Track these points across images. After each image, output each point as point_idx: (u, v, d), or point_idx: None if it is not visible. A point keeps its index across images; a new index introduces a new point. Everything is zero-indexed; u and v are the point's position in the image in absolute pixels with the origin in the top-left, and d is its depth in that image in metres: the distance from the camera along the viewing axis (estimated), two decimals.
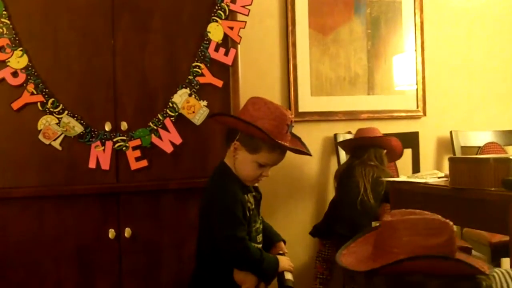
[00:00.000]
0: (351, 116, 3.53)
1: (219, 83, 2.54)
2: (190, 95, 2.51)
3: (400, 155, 3.13)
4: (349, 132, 3.40)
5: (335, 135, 3.41)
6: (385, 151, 3.06)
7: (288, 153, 1.92)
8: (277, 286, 2.05)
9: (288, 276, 2.03)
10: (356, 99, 3.56)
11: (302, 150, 2.13)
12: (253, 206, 2.07)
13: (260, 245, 2.10)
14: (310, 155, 2.18)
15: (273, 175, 3.30)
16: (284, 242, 2.22)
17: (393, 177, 3.04)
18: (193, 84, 2.52)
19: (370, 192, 2.90)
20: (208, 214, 2.01)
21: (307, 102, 3.45)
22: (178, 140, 2.48)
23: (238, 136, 2.01)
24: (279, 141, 1.96)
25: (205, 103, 2.52)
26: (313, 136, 3.47)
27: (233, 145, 2.02)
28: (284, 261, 2.07)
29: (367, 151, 3.02)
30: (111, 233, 2.40)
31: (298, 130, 3.34)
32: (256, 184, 2.15)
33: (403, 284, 1.28)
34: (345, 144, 3.24)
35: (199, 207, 2.08)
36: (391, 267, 1.27)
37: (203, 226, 2.06)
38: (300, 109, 3.43)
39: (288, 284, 2.00)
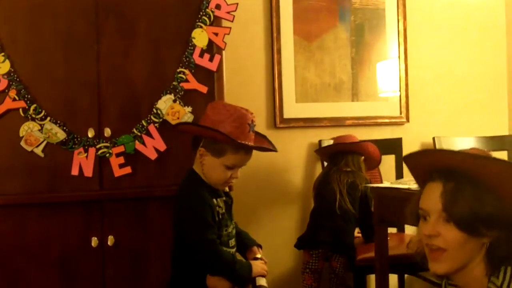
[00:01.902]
0: (336, 122, 3.53)
1: (203, 89, 2.53)
2: (174, 101, 2.50)
3: (378, 161, 3.13)
4: (333, 139, 3.41)
5: (320, 142, 3.41)
6: (362, 157, 3.06)
7: (272, 159, 1.91)
8: None
9: (261, 282, 2.01)
10: (340, 106, 3.57)
11: (266, 147, 2.13)
12: (224, 211, 2.07)
13: (233, 250, 2.11)
14: (275, 151, 2.19)
15: (257, 182, 3.34)
16: (260, 247, 2.22)
17: (370, 181, 3.04)
18: (177, 90, 2.50)
19: (347, 196, 2.91)
20: (178, 220, 2.03)
21: (292, 108, 3.45)
22: (162, 147, 2.46)
23: (202, 142, 2.03)
24: (242, 141, 1.98)
25: (189, 109, 2.51)
26: (298, 143, 3.47)
27: (198, 152, 2.04)
28: (258, 266, 2.06)
29: (344, 157, 3.02)
30: (94, 241, 2.37)
31: (283, 136, 3.37)
32: (227, 189, 2.17)
33: None
34: (322, 152, 3.24)
35: (172, 215, 2.08)
36: None
37: (175, 233, 2.07)
38: (285, 115, 3.43)
39: None
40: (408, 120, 3.72)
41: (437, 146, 3.61)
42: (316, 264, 2.94)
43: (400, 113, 3.71)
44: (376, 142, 3.16)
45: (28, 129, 2.35)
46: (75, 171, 2.38)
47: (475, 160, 1.43)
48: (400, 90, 3.71)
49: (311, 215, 3.08)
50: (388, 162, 3.50)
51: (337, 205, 2.88)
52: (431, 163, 1.51)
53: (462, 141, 3.70)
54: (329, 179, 2.98)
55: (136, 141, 2.45)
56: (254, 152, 2.10)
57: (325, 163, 3.28)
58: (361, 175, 3.01)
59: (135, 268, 2.43)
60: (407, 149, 3.61)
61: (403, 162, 1.68)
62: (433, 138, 3.63)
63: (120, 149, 2.43)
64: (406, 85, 3.72)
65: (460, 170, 1.44)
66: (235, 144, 1.97)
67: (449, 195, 1.43)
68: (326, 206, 2.94)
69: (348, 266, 2.93)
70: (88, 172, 2.39)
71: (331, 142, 3.30)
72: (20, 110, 2.35)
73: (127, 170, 2.43)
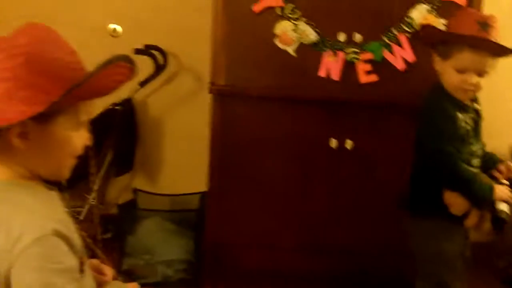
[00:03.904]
0: None
1: (462, 1, 2.38)
2: (429, 11, 2.40)
3: None
4: None
5: None
6: None
7: None
8: None
9: (502, 206, 1.89)
10: None
11: (501, 45, 1.91)
12: (470, 127, 1.98)
13: (475, 170, 2.01)
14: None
15: None
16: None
17: None
18: (434, 0, 2.39)
19: None
20: (419, 132, 2.02)
21: None
22: (411, 58, 2.41)
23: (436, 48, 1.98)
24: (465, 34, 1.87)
25: (443, 21, 2.38)
26: None
27: (434, 58, 1.99)
28: (500, 190, 1.93)
29: None
30: (333, 143, 2.46)
31: None
32: (478, 107, 2.04)
33: None
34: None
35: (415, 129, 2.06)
36: None
37: (417, 145, 2.05)
38: None
39: (500, 215, 1.88)
40: None
41: None
42: None
43: None
44: None
45: (284, 28, 2.44)
46: (322, 73, 2.44)
47: None
48: None
49: None
50: None
51: None
52: None
53: None
54: None
55: (385, 49, 2.42)
56: None
57: None
58: None
59: (369, 174, 2.49)
60: None
61: None
62: None
63: (368, 55, 2.42)
64: None
65: None
66: (460, 41, 1.88)
67: None
68: None
69: None
70: (335, 75, 2.43)
71: None
72: (278, 8, 2.43)
73: (373, 77, 2.43)
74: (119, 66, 1.10)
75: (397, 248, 2.34)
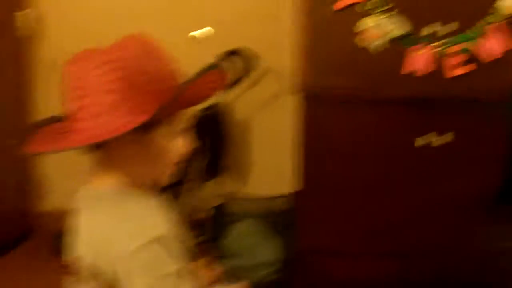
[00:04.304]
0: None
1: None
2: None
3: None
4: None
5: None
6: None
7: None
8: None
9: None
10: None
11: None
12: None
13: None
14: None
15: None
16: None
17: None
18: None
19: None
20: (509, 124, 1.98)
21: None
22: (502, 49, 2.30)
23: None
24: None
25: None
26: None
27: None
28: None
29: None
30: (421, 141, 2.40)
31: None
32: None
33: None
34: None
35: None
36: None
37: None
38: None
39: None
40: None
41: None
42: None
43: None
44: None
45: (367, 24, 2.40)
46: (408, 69, 2.38)
47: None
48: None
49: None
50: None
51: None
52: None
53: None
54: None
55: (474, 41, 2.33)
56: None
57: None
58: None
59: (462, 171, 2.41)
60: None
61: None
62: None
63: (456, 48, 2.33)
64: None
65: None
66: None
67: None
68: None
69: None
70: (421, 70, 2.37)
71: None
72: (358, 5, 2.39)
73: (461, 70, 2.34)
74: (211, 75, 1.13)
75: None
